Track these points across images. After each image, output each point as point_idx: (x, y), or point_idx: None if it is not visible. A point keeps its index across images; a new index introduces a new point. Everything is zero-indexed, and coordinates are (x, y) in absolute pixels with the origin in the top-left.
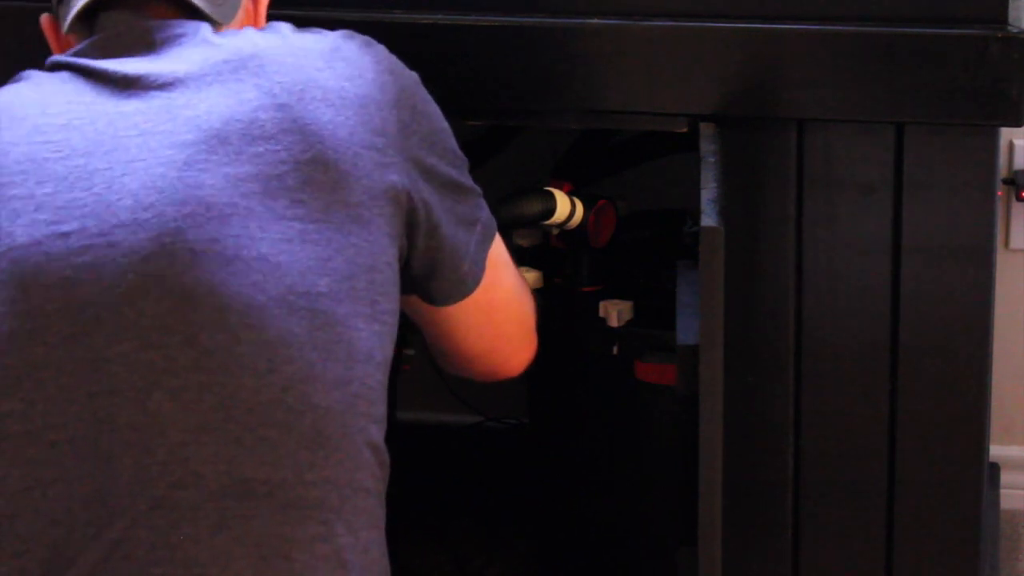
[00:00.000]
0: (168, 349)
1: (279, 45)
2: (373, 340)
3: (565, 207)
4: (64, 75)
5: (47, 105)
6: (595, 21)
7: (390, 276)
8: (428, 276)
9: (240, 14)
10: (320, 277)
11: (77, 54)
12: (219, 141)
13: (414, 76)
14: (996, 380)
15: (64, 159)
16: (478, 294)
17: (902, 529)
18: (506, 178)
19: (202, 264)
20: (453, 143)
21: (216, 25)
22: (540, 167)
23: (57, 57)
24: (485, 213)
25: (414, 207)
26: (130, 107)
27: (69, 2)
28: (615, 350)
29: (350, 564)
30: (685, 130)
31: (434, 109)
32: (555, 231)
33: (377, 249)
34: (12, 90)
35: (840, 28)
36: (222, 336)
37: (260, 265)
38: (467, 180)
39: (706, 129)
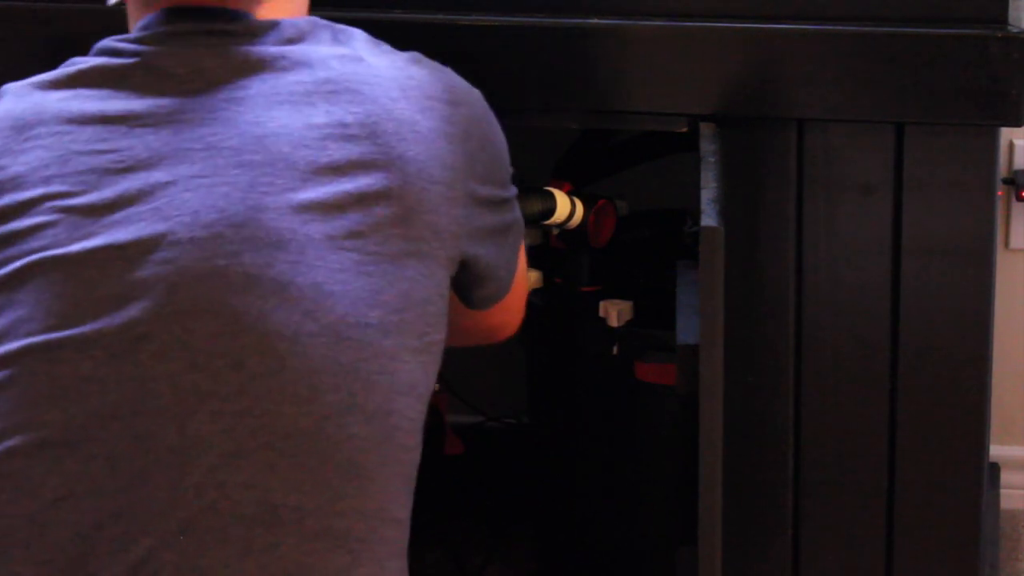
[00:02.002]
0: (215, 372)
1: (354, 71)
2: (417, 372)
3: (565, 207)
4: (126, 63)
5: (107, 105)
6: (595, 21)
7: (441, 307)
8: (469, 287)
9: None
10: (372, 309)
11: (138, 42)
12: (286, 165)
13: (481, 100)
14: (996, 380)
15: (127, 171)
16: (507, 295)
17: (902, 529)
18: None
19: (255, 288)
20: (507, 159)
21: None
22: (540, 167)
23: (115, 41)
24: (517, 212)
25: (469, 237)
26: (196, 116)
27: None
28: (615, 350)
29: None
30: (685, 130)
31: (498, 132)
32: (555, 231)
33: (431, 283)
34: (67, 83)
35: (840, 28)
36: (269, 362)
37: (312, 293)
38: (511, 191)
39: (706, 129)
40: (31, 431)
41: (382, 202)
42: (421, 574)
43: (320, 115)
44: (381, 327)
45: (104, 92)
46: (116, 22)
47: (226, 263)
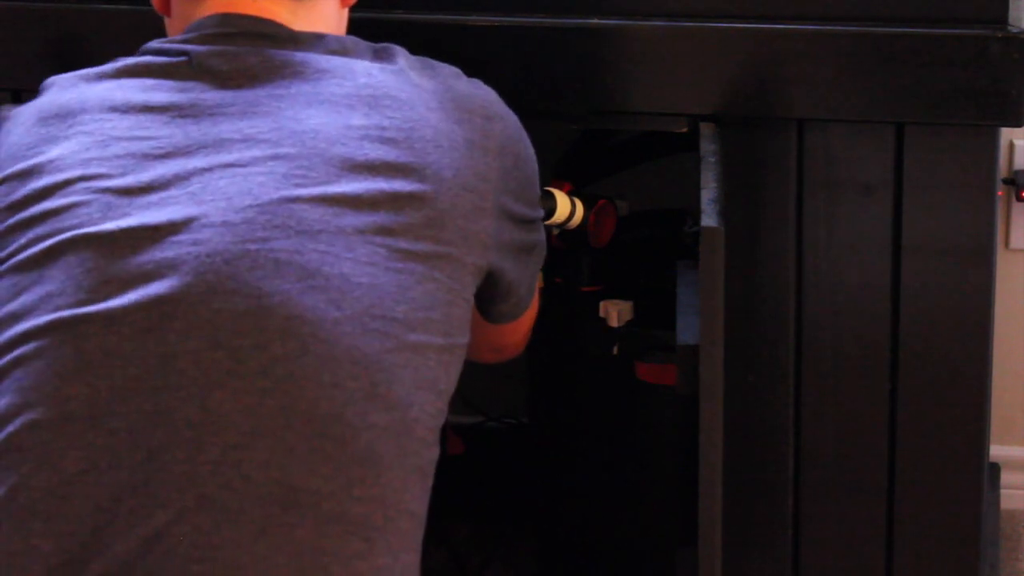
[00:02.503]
0: (237, 351)
1: (394, 80)
2: (440, 370)
3: (565, 207)
4: (171, 60)
5: (150, 96)
6: (595, 21)
7: (466, 312)
8: (491, 300)
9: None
10: (398, 304)
11: (187, 41)
12: (322, 161)
13: (517, 121)
14: (996, 380)
15: (165, 156)
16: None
17: (902, 529)
18: None
19: (283, 273)
20: (537, 181)
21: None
22: (540, 167)
23: (162, 43)
24: (543, 235)
25: (498, 249)
26: (236, 109)
27: None
28: (615, 350)
29: None
30: (685, 130)
31: (531, 152)
32: (555, 231)
33: (459, 286)
34: (112, 74)
35: (840, 28)
36: (292, 345)
37: (340, 283)
38: (538, 211)
39: (706, 129)
40: (56, 404)
41: (415, 204)
42: (421, 574)
43: (359, 117)
44: (406, 322)
45: (149, 83)
46: (116, 23)
47: (256, 247)
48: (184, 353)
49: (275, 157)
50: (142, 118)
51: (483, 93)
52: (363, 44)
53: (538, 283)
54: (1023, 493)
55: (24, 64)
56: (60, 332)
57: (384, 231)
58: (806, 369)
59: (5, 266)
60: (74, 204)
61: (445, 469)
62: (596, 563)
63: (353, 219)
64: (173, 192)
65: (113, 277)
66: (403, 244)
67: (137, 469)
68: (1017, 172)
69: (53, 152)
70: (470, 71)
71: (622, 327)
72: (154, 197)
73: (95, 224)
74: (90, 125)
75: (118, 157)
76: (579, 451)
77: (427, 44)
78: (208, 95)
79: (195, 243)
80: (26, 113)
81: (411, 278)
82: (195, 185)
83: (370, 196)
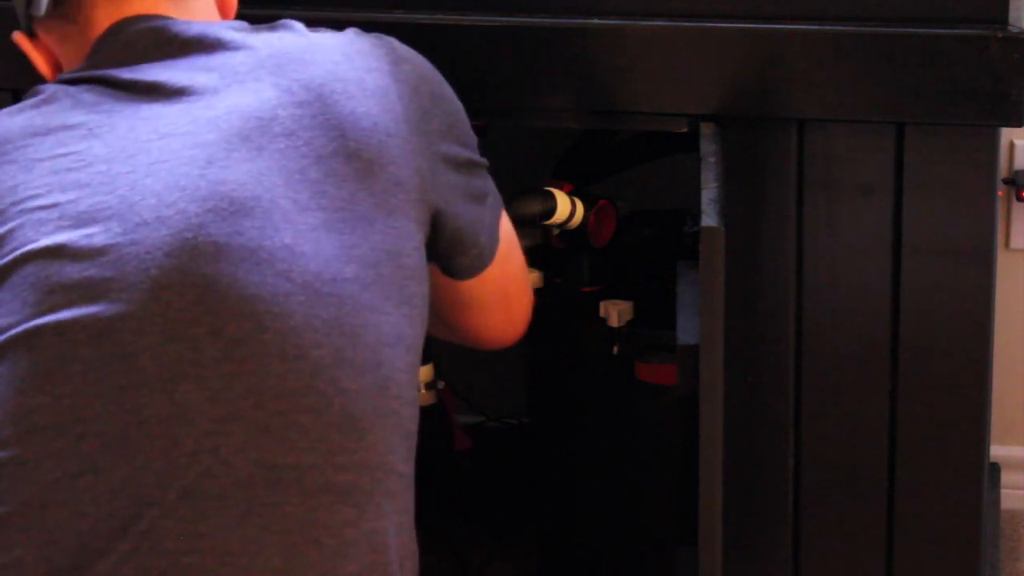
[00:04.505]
0: (195, 341)
1: (295, 42)
2: (403, 324)
3: (565, 207)
4: (83, 87)
5: (67, 116)
6: (595, 21)
7: (417, 260)
8: (451, 254)
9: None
10: (346, 264)
11: (91, 67)
12: (240, 139)
13: (426, 61)
14: (996, 380)
15: (87, 167)
16: (494, 267)
17: (902, 529)
18: (506, 178)
19: (225, 256)
20: (467, 122)
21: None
22: (540, 167)
23: (72, 73)
24: (492, 185)
25: (436, 191)
26: (150, 112)
27: None
28: (615, 350)
29: (380, 547)
30: (685, 130)
31: (450, 91)
32: (555, 231)
33: (403, 235)
34: (32, 105)
35: (840, 28)
36: (248, 325)
37: (284, 254)
38: (478, 156)
39: (706, 129)
40: (20, 418)
41: (340, 160)
42: (421, 574)
43: (267, 88)
44: (358, 281)
45: (64, 105)
46: None
47: (193, 235)
48: (142, 350)
49: (195, 146)
50: (61, 136)
51: (385, 41)
52: (253, 26)
53: (521, 261)
54: (1023, 493)
55: (25, 64)
56: (13, 349)
57: (317, 194)
58: (806, 369)
59: None
60: (9, 231)
61: (448, 468)
62: (596, 563)
63: (284, 189)
64: (103, 199)
65: (57, 287)
66: (339, 203)
67: (113, 471)
68: (1017, 172)
69: None
70: (470, 71)
71: (622, 327)
72: (84, 207)
73: (31, 243)
74: (13, 154)
75: (42, 176)
76: (579, 451)
77: (427, 44)
78: (120, 106)
79: (133, 243)
80: None
81: (353, 236)
82: (123, 189)
83: (296, 163)
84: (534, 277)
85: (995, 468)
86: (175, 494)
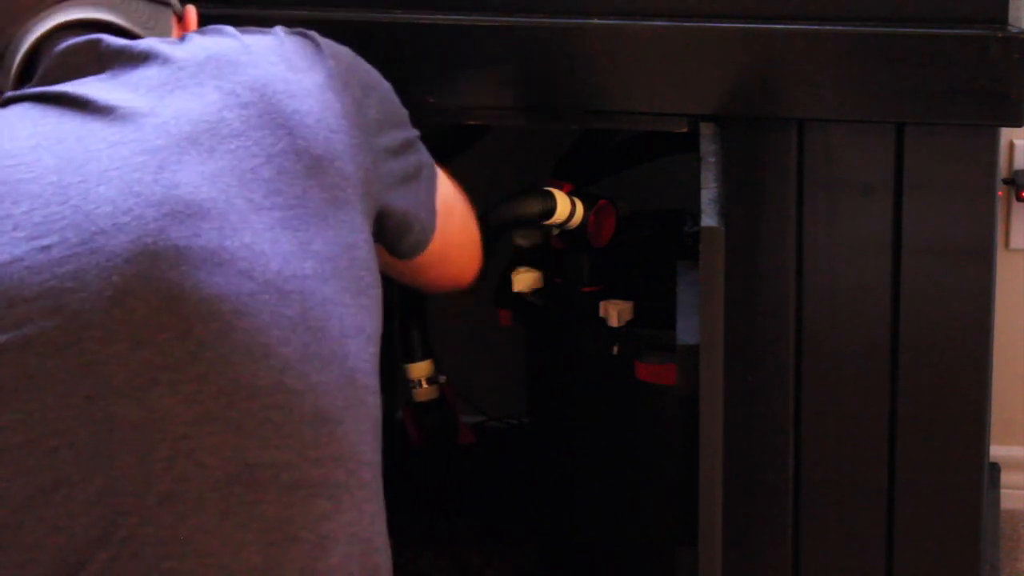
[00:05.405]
0: (163, 345)
1: (231, 46)
2: (362, 314)
3: (565, 207)
4: (24, 105)
5: (14, 130)
6: (595, 21)
7: (369, 250)
8: (396, 237)
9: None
10: (304, 260)
11: (31, 86)
12: (190, 142)
13: (350, 51)
14: (996, 380)
15: (37, 178)
16: (437, 234)
17: (902, 529)
18: (506, 178)
19: (187, 259)
20: (397, 100)
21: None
22: (540, 167)
23: (10, 93)
24: (426, 154)
25: (380, 184)
26: (96, 123)
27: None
28: (615, 350)
29: (356, 538)
30: (685, 130)
31: (376, 75)
32: (555, 231)
33: (355, 226)
34: None
35: (840, 28)
36: (215, 325)
37: (245, 253)
38: (411, 132)
39: (706, 129)
40: None
41: (290, 157)
42: (421, 574)
43: (210, 91)
44: (317, 275)
45: (14, 121)
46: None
47: (153, 240)
48: (109, 358)
49: (144, 152)
50: (8, 147)
51: (310, 38)
52: (188, 34)
53: (456, 195)
54: (1023, 493)
55: None
56: None
57: (271, 193)
58: (806, 369)
59: None
60: None
61: (450, 462)
62: (596, 563)
63: (239, 190)
64: (55, 209)
65: (18, 302)
66: (292, 200)
67: (89, 483)
68: (1017, 172)
69: None
70: (469, 71)
71: (622, 327)
72: (38, 218)
73: None
74: None
75: None
76: (579, 451)
77: (426, 44)
78: (67, 119)
79: (92, 252)
80: None
81: (308, 232)
82: (76, 199)
83: (246, 163)
84: (534, 277)
85: (995, 468)
86: (153, 500)
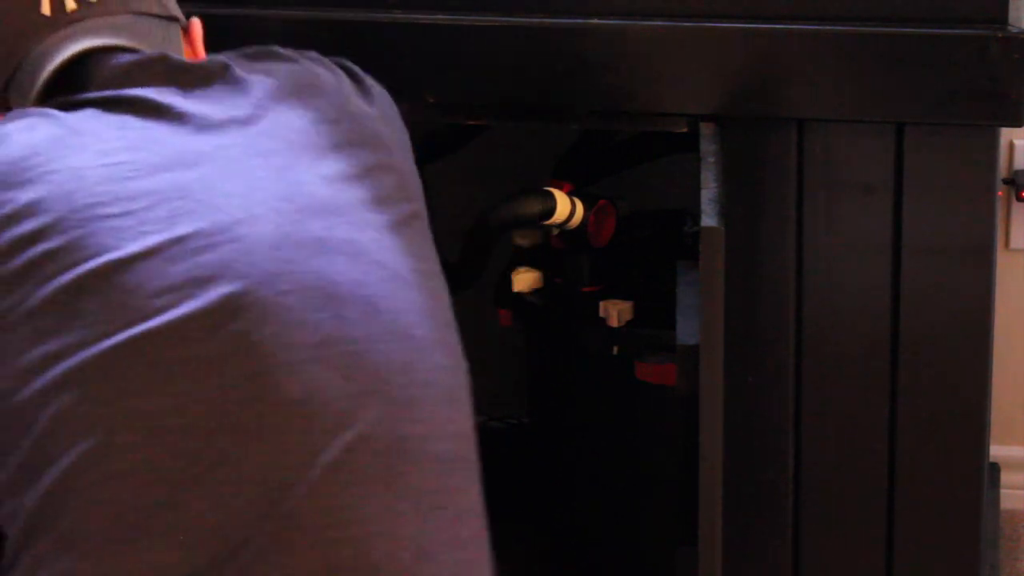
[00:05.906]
0: (317, 325)
1: (297, 70)
2: (445, 306)
3: (565, 207)
4: (91, 110)
5: (98, 133)
6: (595, 21)
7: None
8: None
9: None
10: (407, 257)
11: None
12: (301, 148)
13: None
14: (996, 380)
15: (147, 175)
16: None
17: (902, 529)
18: (506, 178)
19: (327, 248)
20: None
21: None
22: (540, 167)
23: (61, 99)
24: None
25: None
26: (189, 128)
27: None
28: (615, 350)
29: (477, 512)
30: (685, 130)
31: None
32: (555, 231)
33: (428, 237)
34: (43, 122)
35: (840, 28)
36: (364, 307)
37: (373, 247)
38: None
39: (706, 129)
40: (140, 421)
41: (383, 172)
42: None
43: (298, 106)
44: (416, 275)
45: (83, 118)
46: None
47: (293, 229)
48: (267, 338)
49: (257, 155)
50: (100, 148)
51: (345, 69)
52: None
53: (536, 280)
54: (1023, 493)
55: None
56: (122, 356)
57: (375, 200)
58: (806, 369)
59: (14, 315)
60: (77, 239)
61: None
62: (596, 562)
63: (353, 192)
64: (179, 204)
65: (162, 290)
66: (391, 206)
67: (252, 460)
68: (1017, 172)
69: (22, 199)
70: (469, 71)
71: (622, 327)
72: (162, 212)
73: (112, 250)
74: (51, 164)
75: (98, 185)
76: (579, 451)
77: (426, 44)
78: (152, 123)
79: (233, 240)
80: None
81: (403, 239)
82: (199, 193)
83: (353, 171)
84: (534, 277)
85: (995, 468)
86: (320, 471)
